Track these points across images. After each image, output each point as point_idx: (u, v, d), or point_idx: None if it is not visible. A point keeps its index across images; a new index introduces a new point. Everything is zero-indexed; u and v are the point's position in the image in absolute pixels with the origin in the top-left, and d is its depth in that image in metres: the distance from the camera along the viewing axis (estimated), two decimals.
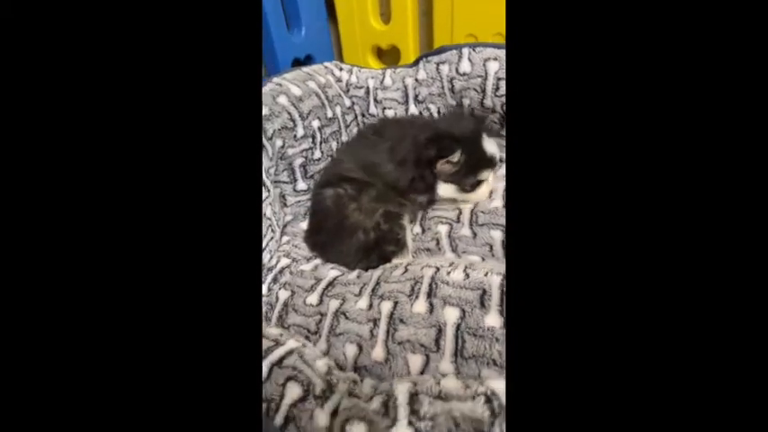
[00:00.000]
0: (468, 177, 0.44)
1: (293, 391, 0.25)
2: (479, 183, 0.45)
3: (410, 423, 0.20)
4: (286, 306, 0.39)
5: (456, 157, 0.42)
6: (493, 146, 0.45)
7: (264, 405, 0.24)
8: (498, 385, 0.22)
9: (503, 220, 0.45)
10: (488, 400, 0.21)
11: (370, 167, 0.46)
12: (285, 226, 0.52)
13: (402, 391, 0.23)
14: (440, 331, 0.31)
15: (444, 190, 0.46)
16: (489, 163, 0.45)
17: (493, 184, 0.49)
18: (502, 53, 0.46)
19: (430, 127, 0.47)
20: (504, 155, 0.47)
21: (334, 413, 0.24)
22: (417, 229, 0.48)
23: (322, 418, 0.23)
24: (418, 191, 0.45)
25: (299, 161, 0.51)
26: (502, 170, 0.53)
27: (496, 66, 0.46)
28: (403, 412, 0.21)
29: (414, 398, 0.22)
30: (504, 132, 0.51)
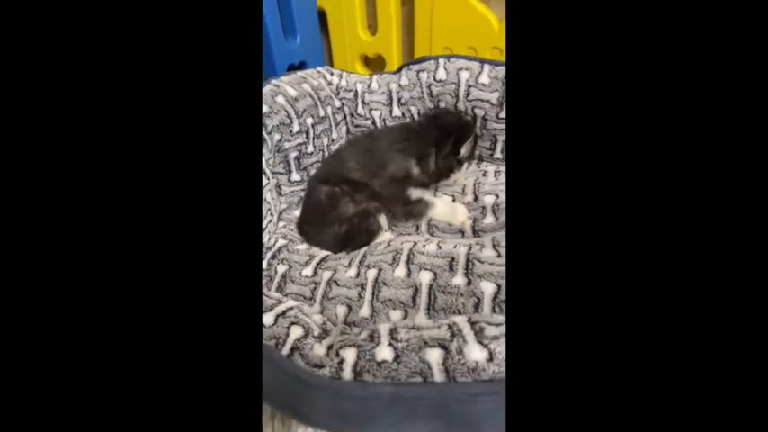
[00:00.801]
0: (469, 155, 0.55)
1: (296, 331, 0.31)
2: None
3: (390, 344, 0.26)
4: (284, 278, 0.44)
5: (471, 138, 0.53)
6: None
7: (273, 341, 0.29)
8: (458, 318, 0.28)
9: (473, 213, 0.52)
10: (450, 327, 0.27)
11: (375, 168, 0.52)
12: (281, 213, 0.58)
13: (384, 327, 0.29)
14: (416, 290, 0.37)
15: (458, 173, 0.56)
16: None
17: (464, 181, 0.56)
18: (472, 64, 0.53)
19: (435, 124, 0.55)
20: None
21: (330, 347, 0.29)
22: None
23: (320, 348, 0.29)
24: (441, 176, 0.55)
25: (293, 154, 0.57)
26: (471, 168, 0.60)
27: (467, 75, 0.53)
28: (385, 338, 0.27)
29: (394, 330, 0.28)
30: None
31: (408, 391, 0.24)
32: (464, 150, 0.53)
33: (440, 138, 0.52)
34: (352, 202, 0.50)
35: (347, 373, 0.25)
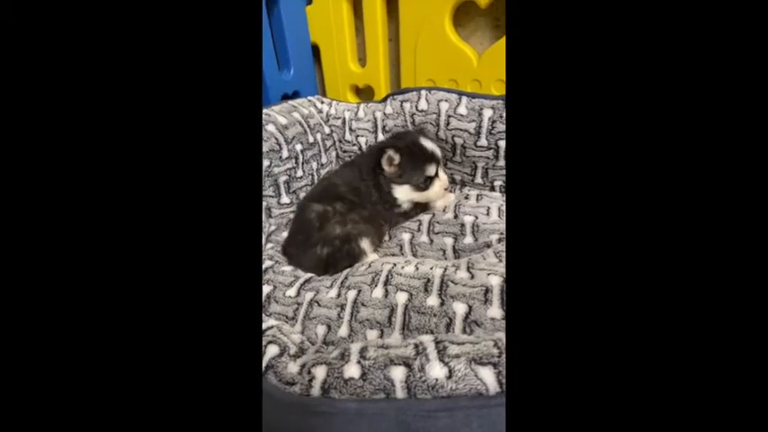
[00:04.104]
0: (414, 173, 0.52)
1: (272, 350, 0.32)
2: (430, 180, 0.53)
3: (358, 362, 0.28)
4: (269, 298, 0.46)
5: (391, 152, 0.50)
6: (431, 144, 0.53)
7: None
8: (425, 338, 0.30)
9: (453, 229, 0.54)
10: (416, 346, 0.29)
11: (356, 191, 0.55)
12: (270, 235, 0.60)
13: (356, 346, 0.31)
14: (392, 311, 0.38)
15: (400, 192, 0.54)
16: (431, 157, 0.52)
17: (445, 201, 0.59)
18: (451, 96, 0.57)
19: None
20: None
21: (303, 365, 0.31)
22: (385, 237, 0.57)
23: (294, 367, 0.30)
24: (382, 201, 0.54)
25: (283, 178, 0.59)
26: (455, 192, 0.63)
27: (447, 106, 0.57)
28: (354, 356, 0.29)
29: (364, 349, 0.30)
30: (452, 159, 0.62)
31: (371, 407, 0.25)
32: (391, 169, 0.56)
33: (368, 155, 0.58)
34: (340, 224, 0.52)
35: (316, 390, 0.27)
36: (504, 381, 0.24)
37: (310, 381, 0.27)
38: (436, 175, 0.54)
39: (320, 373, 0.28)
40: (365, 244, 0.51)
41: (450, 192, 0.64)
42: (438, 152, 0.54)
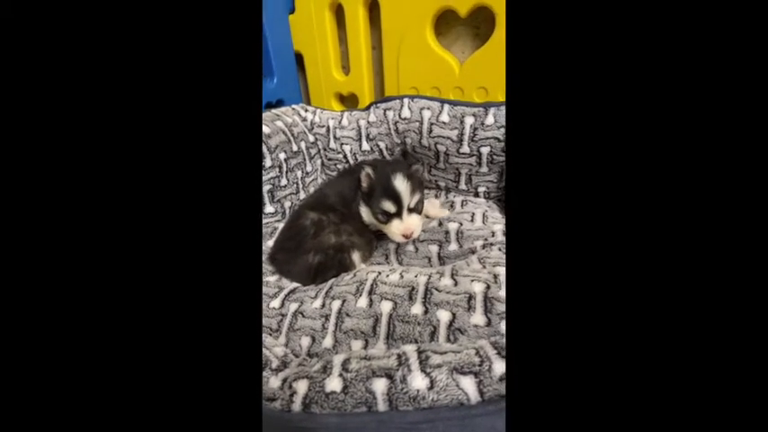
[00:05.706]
0: (374, 201, 0.50)
1: None
2: (388, 216, 0.50)
3: (340, 375, 0.27)
4: None
5: (369, 170, 0.51)
6: (403, 185, 0.50)
7: None
8: (408, 347, 0.30)
9: (438, 236, 0.54)
10: (399, 357, 0.28)
11: (345, 202, 0.55)
12: None
13: (338, 358, 0.30)
14: (377, 320, 0.38)
15: (364, 211, 0.54)
16: (392, 195, 0.49)
17: (440, 213, 0.59)
18: (433, 104, 0.58)
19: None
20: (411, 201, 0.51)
21: (285, 380, 0.30)
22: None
23: (275, 381, 0.30)
24: (356, 213, 0.54)
25: (267, 188, 0.59)
26: (440, 198, 0.63)
27: (429, 113, 0.58)
28: (336, 369, 0.28)
29: (347, 361, 0.29)
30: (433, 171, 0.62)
31: (353, 421, 0.25)
32: (364, 181, 0.55)
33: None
34: (335, 234, 0.52)
35: (297, 405, 0.26)
36: (485, 390, 0.24)
37: (291, 396, 0.27)
38: (398, 215, 0.50)
39: (302, 387, 0.27)
40: (356, 257, 0.51)
41: (438, 198, 0.64)
42: (404, 196, 0.49)
